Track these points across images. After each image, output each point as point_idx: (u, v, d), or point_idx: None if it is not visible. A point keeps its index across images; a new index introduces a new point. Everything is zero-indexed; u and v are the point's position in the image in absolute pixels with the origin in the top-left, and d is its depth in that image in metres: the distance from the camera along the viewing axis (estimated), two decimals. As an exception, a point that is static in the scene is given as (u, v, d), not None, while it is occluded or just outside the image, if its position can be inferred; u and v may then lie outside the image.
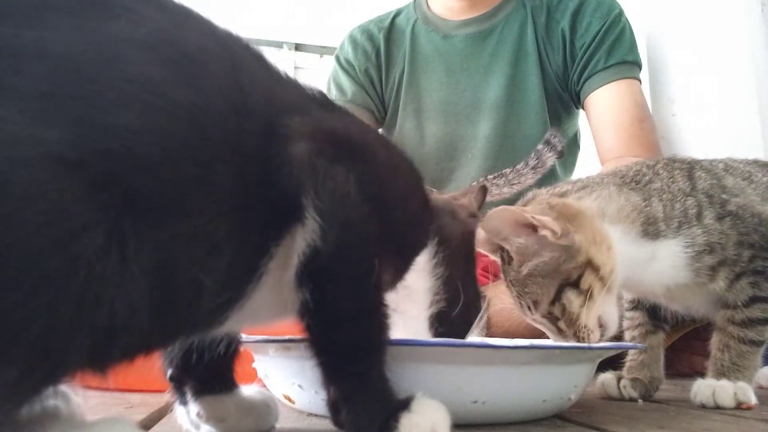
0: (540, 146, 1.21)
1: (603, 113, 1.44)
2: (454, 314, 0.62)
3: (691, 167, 0.81)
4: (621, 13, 1.48)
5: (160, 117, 0.37)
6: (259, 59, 0.49)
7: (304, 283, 0.45)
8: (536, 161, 1.19)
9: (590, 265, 0.71)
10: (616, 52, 1.44)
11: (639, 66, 1.49)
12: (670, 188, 0.78)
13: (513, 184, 1.19)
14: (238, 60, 0.46)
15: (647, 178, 0.79)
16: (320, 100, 0.53)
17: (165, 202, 0.37)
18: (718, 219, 0.75)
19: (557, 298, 0.71)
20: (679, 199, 0.76)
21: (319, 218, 0.44)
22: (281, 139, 0.44)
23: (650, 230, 0.74)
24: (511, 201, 0.95)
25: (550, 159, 1.20)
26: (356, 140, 0.51)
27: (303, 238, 0.44)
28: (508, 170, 1.20)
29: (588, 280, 0.71)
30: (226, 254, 0.41)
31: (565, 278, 0.71)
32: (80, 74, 0.35)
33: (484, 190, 0.74)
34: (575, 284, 0.71)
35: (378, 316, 0.48)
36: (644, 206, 0.76)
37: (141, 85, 0.37)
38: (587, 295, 0.70)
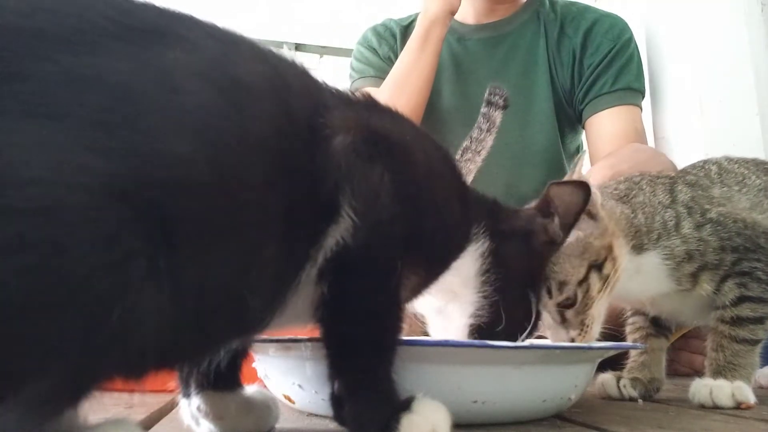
0: (484, 109, 1.20)
1: (603, 136, 1.45)
2: (497, 330, 0.62)
3: (673, 182, 0.83)
4: (631, 39, 1.49)
5: (210, 146, 0.38)
6: (304, 75, 0.50)
7: (324, 277, 0.46)
8: (487, 123, 1.18)
9: (611, 252, 0.73)
10: (623, 77, 1.45)
11: (642, 94, 1.50)
12: (651, 201, 0.80)
13: (479, 152, 1.19)
14: (284, 81, 0.47)
15: (633, 192, 0.82)
16: (364, 103, 0.55)
17: (212, 229, 0.38)
18: (696, 227, 0.77)
19: (585, 278, 0.72)
20: (659, 211, 0.79)
21: (355, 216, 0.45)
22: (324, 147, 0.45)
23: (636, 244, 0.77)
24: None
25: (499, 116, 1.19)
26: (395, 140, 0.52)
27: (333, 236, 0.45)
28: (467, 142, 1.20)
29: (608, 266, 0.73)
30: (270, 273, 0.42)
31: (594, 259, 0.72)
32: (134, 104, 0.36)
33: (585, 188, 0.66)
34: (600, 267, 0.72)
35: (391, 317, 0.49)
36: (632, 217, 0.78)
37: (192, 114, 0.38)
38: (605, 282, 0.72)
